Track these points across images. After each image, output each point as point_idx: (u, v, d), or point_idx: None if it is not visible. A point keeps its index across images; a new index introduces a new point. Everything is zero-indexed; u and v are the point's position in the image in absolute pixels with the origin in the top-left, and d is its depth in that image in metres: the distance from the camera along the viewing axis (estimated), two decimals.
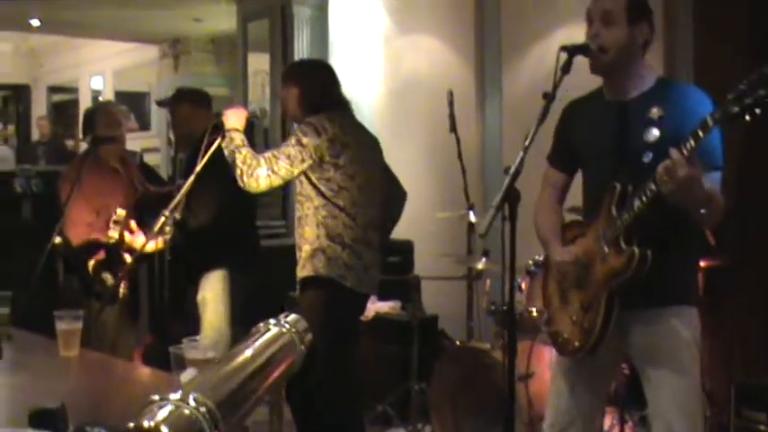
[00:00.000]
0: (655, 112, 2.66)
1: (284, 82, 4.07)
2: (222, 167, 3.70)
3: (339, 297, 3.78)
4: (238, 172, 3.70)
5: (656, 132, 2.64)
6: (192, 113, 4.46)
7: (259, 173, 3.68)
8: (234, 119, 3.84)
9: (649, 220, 2.58)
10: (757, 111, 2.24)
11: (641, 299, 2.66)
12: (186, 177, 3.91)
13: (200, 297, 4.31)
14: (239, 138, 3.77)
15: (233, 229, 4.31)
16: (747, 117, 2.26)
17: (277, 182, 3.73)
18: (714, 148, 2.58)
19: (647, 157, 2.63)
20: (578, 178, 2.99)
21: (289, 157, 3.71)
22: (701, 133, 2.36)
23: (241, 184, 3.72)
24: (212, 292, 4.31)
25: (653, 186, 2.49)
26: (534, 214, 2.96)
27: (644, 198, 2.53)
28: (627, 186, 2.64)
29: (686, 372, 2.70)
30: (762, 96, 2.22)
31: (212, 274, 4.32)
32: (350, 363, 3.96)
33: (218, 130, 3.82)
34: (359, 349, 4.18)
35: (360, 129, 4.05)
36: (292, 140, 3.74)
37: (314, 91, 3.91)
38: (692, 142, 2.37)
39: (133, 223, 4.35)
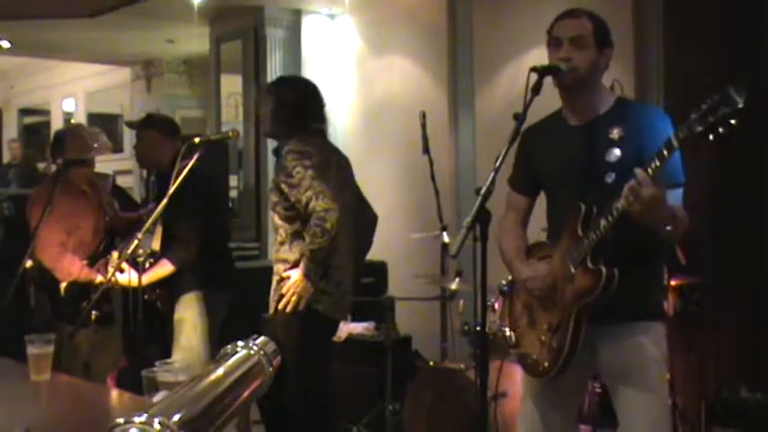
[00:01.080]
0: (615, 132, 2.70)
1: (261, 96, 4.09)
2: (195, 191, 3.69)
3: (311, 321, 3.77)
4: (328, 239, 3.69)
5: (617, 152, 2.68)
6: (160, 141, 4.46)
7: (320, 209, 3.67)
8: (295, 275, 3.80)
9: (615, 239, 2.61)
10: (720, 130, 2.27)
11: (608, 316, 2.68)
12: (158, 202, 3.91)
13: (177, 317, 4.30)
14: (307, 257, 3.74)
15: (209, 250, 4.31)
16: (711, 137, 2.29)
17: (335, 205, 3.69)
18: (675, 165, 2.62)
19: (610, 178, 2.66)
20: (542, 199, 3.01)
21: (314, 178, 3.70)
22: (665, 153, 2.39)
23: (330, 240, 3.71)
24: (190, 312, 4.30)
25: (618, 206, 2.51)
26: (498, 239, 2.96)
27: (609, 218, 2.56)
28: (591, 207, 2.67)
29: (655, 388, 2.73)
30: (724, 116, 2.25)
31: (189, 294, 4.31)
32: (322, 384, 3.95)
33: (192, 152, 3.81)
34: (333, 370, 4.18)
35: (335, 151, 4.06)
36: (300, 170, 3.71)
37: (287, 108, 3.91)
38: (657, 162, 2.40)
39: (124, 264, 4.31)
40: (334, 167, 3.89)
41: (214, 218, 4.42)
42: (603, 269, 2.60)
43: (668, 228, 2.54)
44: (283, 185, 3.77)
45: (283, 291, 3.78)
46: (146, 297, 4.00)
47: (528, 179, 2.97)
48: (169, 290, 4.34)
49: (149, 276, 4.08)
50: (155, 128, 4.54)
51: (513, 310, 2.99)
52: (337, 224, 3.68)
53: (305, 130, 3.88)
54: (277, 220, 3.88)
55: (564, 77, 2.72)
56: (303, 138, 3.84)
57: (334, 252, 3.79)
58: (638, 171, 2.42)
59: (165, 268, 4.24)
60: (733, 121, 2.26)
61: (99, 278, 4.30)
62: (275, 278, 3.88)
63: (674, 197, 2.61)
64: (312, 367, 3.84)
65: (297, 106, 3.93)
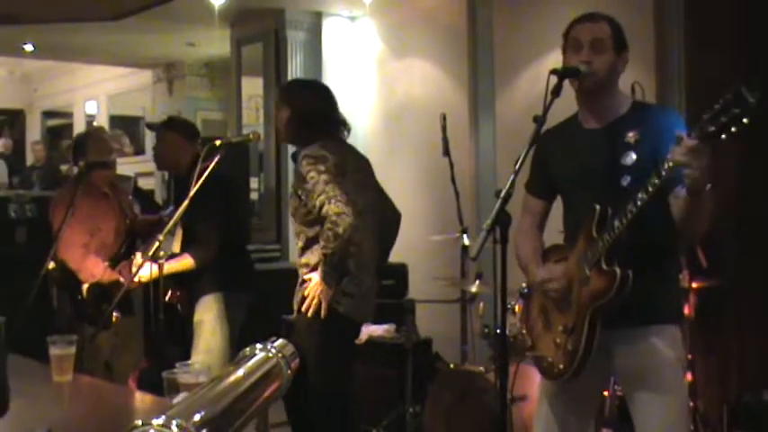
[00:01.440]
0: (631, 136, 2.70)
1: (276, 101, 4.09)
2: (215, 193, 3.71)
3: (333, 323, 3.78)
4: (340, 244, 3.68)
5: (633, 156, 2.68)
6: (179, 144, 4.48)
7: (333, 213, 3.65)
8: (315, 279, 3.80)
9: (629, 241, 2.60)
10: (733, 129, 2.26)
11: (623, 318, 2.67)
12: (178, 205, 3.93)
13: (196, 319, 4.31)
14: (320, 270, 3.74)
15: (228, 251, 4.33)
16: (723, 136, 2.28)
17: (348, 209, 3.67)
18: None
19: (626, 181, 2.66)
20: (559, 202, 3.01)
21: (328, 183, 3.70)
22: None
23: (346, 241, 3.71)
24: (209, 314, 4.31)
25: (633, 208, 2.51)
26: (514, 243, 2.94)
27: (624, 219, 2.56)
28: (606, 209, 2.66)
29: (671, 391, 2.71)
30: (737, 115, 2.24)
31: (208, 296, 4.32)
32: (344, 386, 3.95)
33: (213, 155, 3.82)
34: (354, 372, 4.18)
35: (353, 153, 4.06)
36: (314, 175, 3.70)
37: (304, 116, 3.91)
38: (670, 163, 2.40)
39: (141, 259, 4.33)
40: (352, 169, 3.88)
41: (233, 220, 4.43)
42: (618, 270, 2.60)
43: (708, 186, 2.47)
44: (300, 191, 3.78)
45: (305, 293, 3.79)
46: (166, 299, 4.01)
47: (544, 183, 2.96)
48: (189, 291, 4.36)
49: (169, 267, 4.03)
50: (175, 130, 4.56)
51: (529, 313, 2.99)
52: (350, 228, 3.67)
53: (321, 136, 3.87)
54: (297, 226, 3.89)
55: (584, 81, 2.72)
56: (323, 143, 3.84)
57: (355, 254, 3.79)
58: (680, 139, 2.37)
59: (185, 261, 4.23)
60: (745, 120, 2.25)
61: (121, 279, 4.33)
62: (299, 281, 3.90)
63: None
64: (334, 369, 3.84)
65: (312, 113, 3.92)
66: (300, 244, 3.89)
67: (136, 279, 4.09)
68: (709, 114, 2.30)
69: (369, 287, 3.89)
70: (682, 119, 2.72)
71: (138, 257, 4.32)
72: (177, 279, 4.26)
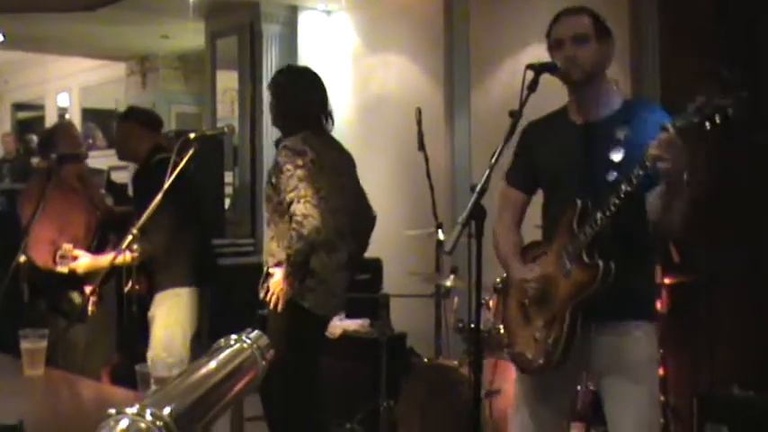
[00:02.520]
0: (620, 133, 2.70)
1: (268, 88, 4.09)
2: (176, 188, 3.66)
3: (298, 317, 3.79)
4: (305, 245, 3.71)
5: (621, 152, 2.68)
6: (137, 133, 4.42)
7: (300, 213, 3.68)
8: (277, 277, 3.81)
9: (610, 235, 2.61)
10: (717, 119, 2.28)
11: (602, 313, 2.68)
12: (136, 194, 3.89)
13: (149, 315, 4.26)
14: (288, 261, 3.74)
15: (185, 248, 4.28)
16: (708, 125, 2.30)
17: (315, 211, 3.70)
18: None
19: (612, 176, 2.66)
20: (539, 195, 3.01)
21: (301, 179, 3.71)
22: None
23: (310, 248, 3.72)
24: (161, 309, 4.27)
25: (616, 200, 2.53)
26: (493, 235, 2.95)
27: (607, 212, 2.57)
28: (587, 203, 2.67)
29: (645, 386, 2.73)
30: (721, 105, 2.26)
31: (163, 292, 4.27)
32: (310, 381, 3.95)
33: (187, 148, 3.79)
34: (327, 366, 4.18)
35: (336, 150, 4.05)
36: (290, 168, 3.72)
37: (288, 107, 3.93)
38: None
39: (77, 251, 4.30)
40: (330, 166, 3.88)
41: (191, 216, 4.36)
42: (600, 263, 2.61)
43: (685, 177, 2.49)
44: (274, 179, 3.80)
45: (270, 286, 3.81)
46: (125, 291, 3.97)
47: (526, 175, 2.95)
48: (150, 284, 4.31)
49: (113, 261, 3.97)
50: (132, 120, 4.52)
51: (506, 309, 2.98)
52: (315, 231, 3.69)
53: (304, 128, 3.87)
54: (269, 213, 3.90)
55: (569, 73, 2.72)
56: (306, 136, 3.84)
57: (322, 251, 3.80)
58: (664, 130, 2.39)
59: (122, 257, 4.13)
60: (729, 111, 2.27)
61: (60, 268, 4.28)
62: (264, 272, 3.91)
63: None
64: (300, 364, 3.84)
65: (297, 107, 3.93)
66: (271, 233, 3.91)
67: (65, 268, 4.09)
68: (693, 104, 2.32)
69: (336, 283, 3.89)
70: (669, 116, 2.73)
71: (66, 246, 4.30)
72: (141, 271, 4.21)
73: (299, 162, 3.73)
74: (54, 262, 4.30)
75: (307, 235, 3.68)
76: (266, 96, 4.41)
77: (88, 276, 4.28)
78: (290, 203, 3.70)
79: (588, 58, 2.72)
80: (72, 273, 4.29)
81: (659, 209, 2.58)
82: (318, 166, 3.80)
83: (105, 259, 4.05)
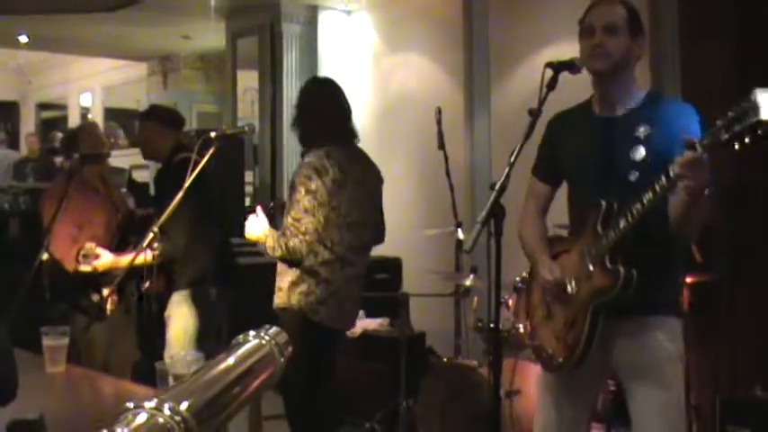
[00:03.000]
0: (642, 130, 2.67)
1: (298, 97, 4.04)
2: (196, 188, 3.66)
3: (308, 330, 3.75)
4: (281, 258, 3.73)
5: (642, 151, 2.65)
6: (159, 132, 4.44)
7: (294, 246, 3.66)
8: (254, 230, 3.81)
9: (634, 236, 2.59)
10: (746, 139, 2.23)
11: (624, 311, 2.66)
12: (158, 193, 3.90)
13: (165, 314, 4.27)
14: (268, 240, 3.73)
15: (204, 249, 4.29)
16: (737, 146, 2.25)
17: (312, 238, 3.70)
18: None
19: (633, 176, 2.64)
20: (561, 193, 3.00)
21: (307, 211, 3.68)
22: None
23: (293, 263, 3.74)
24: (177, 310, 4.27)
25: (639, 207, 2.50)
26: (519, 226, 2.95)
27: (630, 218, 2.54)
28: (612, 204, 2.65)
29: (670, 386, 2.71)
30: (751, 125, 2.21)
31: (179, 292, 4.28)
32: (323, 393, 3.92)
33: (208, 147, 3.79)
34: (347, 365, 4.18)
35: (361, 164, 3.98)
36: (302, 191, 3.68)
37: (312, 119, 3.88)
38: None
39: (99, 250, 4.32)
40: (353, 183, 3.82)
41: (210, 216, 4.37)
42: (622, 270, 2.59)
43: (706, 192, 2.46)
44: (291, 192, 3.78)
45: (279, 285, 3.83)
46: (144, 289, 3.99)
47: (551, 167, 2.94)
48: (168, 283, 4.32)
49: (134, 260, 3.98)
50: (154, 119, 4.54)
51: (530, 299, 2.98)
52: (298, 259, 3.70)
53: (329, 141, 3.84)
54: (285, 221, 3.90)
55: (590, 67, 2.70)
56: (330, 150, 3.79)
57: (336, 266, 3.78)
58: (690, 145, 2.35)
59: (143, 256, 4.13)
60: (759, 132, 2.19)
61: (83, 267, 4.30)
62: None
63: None
64: (309, 376, 3.81)
65: (321, 119, 3.88)
66: None
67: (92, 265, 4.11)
68: (722, 121, 2.26)
69: (347, 295, 3.85)
70: (696, 115, 2.67)
71: (88, 245, 4.33)
72: (160, 269, 4.23)
73: (313, 186, 3.67)
74: (77, 260, 4.33)
75: (288, 259, 3.71)
76: (287, 96, 4.39)
77: (108, 276, 4.30)
78: (288, 227, 3.68)
79: (616, 49, 2.68)
80: (93, 272, 4.32)
81: (678, 217, 2.56)
82: (340, 185, 3.76)
83: (126, 259, 4.06)
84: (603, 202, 2.67)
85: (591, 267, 2.67)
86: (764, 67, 4.52)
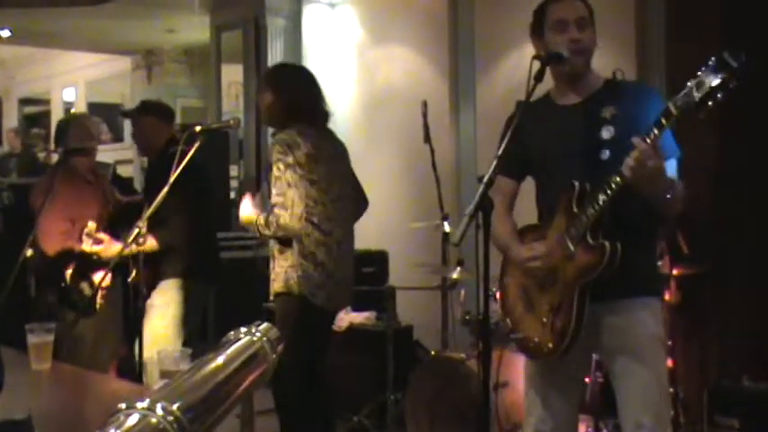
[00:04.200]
0: (607, 111, 2.72)
1: (259, 85, 4.09)
2: (189, 178, 3.66)
3: (309, 314, 3.78)
4: (272, 236, 3.77)
5: (611, 129, 2.69)
6: (155, 126, 4.49)
7: (285, 222, 3.69)
8: (246, 211, 3.84)
9: (612, 214, 2.61)
10: (719, 96, 2.26)
11: (608, 291, 2.68)
12: (149, 186, 3.89)
13: (148, 303, 4.25)
14: (260, 219, 3.77)
15: (192, 240, 4.30)
16: (710, 103, 2.28)
17: (300, 210, 3.73)
18: (668, 138, 2.64)
19: (605, 155, 2.68)
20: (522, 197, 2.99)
21: (289, 184, 3.71)
22: (664, 122, 2.41)
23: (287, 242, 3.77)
24: (161, 299, 4.28)
25: (617, 179, 2.51)
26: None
27: (609, 191, 2.56)
28: (585, 185, 2.67)
29: (653, 365, 2.73)
30: (722, 81, 2.25)
31: (166, 281, 4.29)
32: (319, 376, 3.94)
33: (192, 141, 3.78)
34: (334, 360, 4.18)
35: (330, 140, 4.04)
36: (281, 167, 3.72)
37: (286, 100, 3.91)
38: (656, 131, 2.42)
39: (102, 234, 4.33)
40: (326, 157, 3.87)
41: (201, 208, 4.39)
42: (607, 244, 2.60)
43: (668, 196, 2.53)
44: (269, 174, 3.82)
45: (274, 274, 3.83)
46: (128, 280, 3.98)
47: (516, 162, 2.91)
48: (153, 274, 4.31)
49: (134, 248, 3.98)
50: (150, 114, 4.56)
51: (506, 295, 2.97)
52: (290, 235, 3.73)
53: (302, 121, 3.86)
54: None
55: (574, 62, 2.71)
56: (301, 128, 3.83)
57: (326, 242, 3.80)
58: (637, 140, 2.43)
59: (149, 243, 4.13)
60: (731, 86, 2.25)
61: (84, 246, 4.30)
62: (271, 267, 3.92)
63: (670, 169, 2.63)
64: (311, 358, 3.84)
65: (295, 100, 3.92)
66: None
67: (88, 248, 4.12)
68: (693, 81, 2.30)
69: (341, 275, 3.89)
70: (659, 95, 2.76)
71: (90, 224, 4.33)
72: (145, 263, 4.21)
73: (290, 160, 3.72)
74: (79, 239, 4.33)
75: (281, 235, 3.74)
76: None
77: (99, 264, 4.29)
78: (275, 205, 3.71)
79: (590, 42, 2.75)
80: (87, 257, 4.31)
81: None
82: (314, 159, 3.79)
83: (117, 247, 4.06)
84: (576, 183, 2.68)
85: (572, 248, 2.67)
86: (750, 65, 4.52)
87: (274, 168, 3.75)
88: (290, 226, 3.70)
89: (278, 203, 3.70)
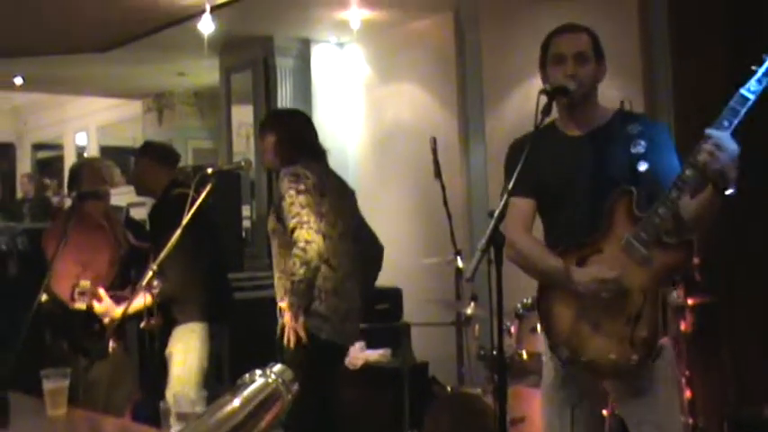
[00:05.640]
0: (633, 128, 2.76)
1: (261, 131, 4.14)
2: (198, 221, 3.65)
3: (316, 348, 3.79)
4: (305, 267, 3.76)
5: (643, 143, 2.72)
6: (153, 169, 4.46)
7: (305, 242, 3.73)
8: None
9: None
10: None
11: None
12: (154, 230, 3.92)
13: (167, 351, 4.25)
14: (286, 284, 3.82)
15: (201, 284, 4.28)
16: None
17: (318, 237, 3.76)
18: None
19: (643, 166, 2.70)
20: None
21: (303, 206, 3.77)
22: (739, 108, 2.47)
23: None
24: (180, 346, 4.26)
25: (689, 173, 2.51)
26: (517, 253, 2.84)
27: (680, 187, 2.55)
28: (641, 191, 2.68)
29: (667, 405, 2.72)
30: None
31: (179, 327, 4.27)
32: (330, 412, 3.94)
33: (204, 183, 3.79)
34: (349, 397, 4.17)
35: (336, 178, 4.13)
36: (292, 194, 3.78)
37: (290, 139, 4.00)
38: (731, 119, 2.47)
39: (101, 291, 4.30)
40: (331, 191, 3.95)
41: (207, 251, 4.35)
42: (693, 238, 2.61)
43: (732, 189, 2.50)
44: (278, 209, 3.83)
45: (283, 322, 3.86)
46: (141, 326, 3.97)
47: (532, 182, 2.83)
48: (165, 319, 4.29)
49: (129, 307, 3.96)
50: (148, 155, 4.57)
51: (556, 322, 2.82)
52: (318, 257, 3.72)
53: (306, 156, 3.98)
54: (276, 247, 3.93)
55: (573, 96, 2.74)
56: (305, 163, 3.93)
57: (331, 277, 3.82)
58: (712, 131, 2.46)
59: (144, 299, 4.11)
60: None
61: (78, 305, 4.30)
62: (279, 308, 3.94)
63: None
64: (320, 395, 3.83)
65: (297, 137, 4.04)
66: (279, 272, 3.92)
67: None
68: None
69: (348, 309, 3.91)
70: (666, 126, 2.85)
71: (83, 282, 4.32)
72: (158, 307, 4.20)
73: (302, 187, 3.80)
74: (71, 298, 4.32)
75: (309, 260, 3.73)
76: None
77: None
78: (293, 230, 3.73)
79: (588, 78, 2.78)
80: (90, 310, 4.30)
81: (694, 217, 2.59)
82: (321, 191, 3.85)
83: (120, 310, 3.99)
84: (633, 189, 2.68)
85: (643, 251, 2.63)
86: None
87: (286, 198, 3.80)
88: (313, 240, 3.72)
89: (296, 225, 3.73)
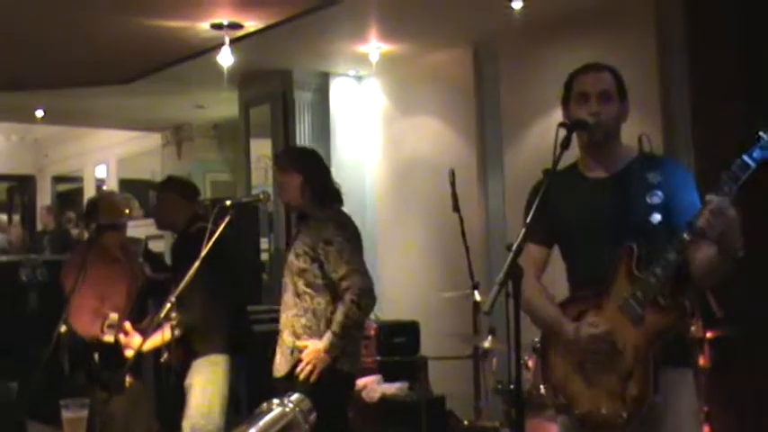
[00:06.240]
0: (652, 176, 2.73)
1: (283, 167, 4.11)
2: (218, 254, 3.67)
3: (335, 380, 3.84)
4: (363, 307, 3.85)
5: (659, 194, 2.70)
6: (175, 203, 4.52)
7: (362, 301, 3.80)
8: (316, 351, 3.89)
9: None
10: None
11: None
12: (176, 263, 3.91)
13: (186, 383, 4.26)
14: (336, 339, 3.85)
15: (224, 315, 4.29)
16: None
17: (369, 285, 3.86)
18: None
19: (655, 218, 2.68)
20: None
21: (354, 251, 3.88)
22: (740, 174, 2.45)
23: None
24: (200, 378, 4.26)
25: (687, 236, 2.51)
26: (524, 300, 2.75)
27: (679, 248, 2.55)
28: (642, 248, 2.66)
29: None
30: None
31: (199, 360, 4.28)
32: None
33: (223, 215, 3.81)
34: (366, 431, 4.18)
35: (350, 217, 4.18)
36: (339, 240, 3.85)
37: (317, 180, 4.03)
38: (732, 184, 2.46)
39: (127, 325, 4.33)
40: (359, 237, 4.04)
41: (227, 284, 4.36)
42: (687, 302, 2.61)
43: (740, 254, 2.51)
44: (320, 252, 3.83)
45: (303, 357, 3.85)
46: (161, 360, 3.98)
47: (545, 230, 2.87)
48: (185, 352, 4.29)
49: (150, 342, 3.99)
50: (171, 190, 4.61)
51: (554, 370, 2.86)
52: (373, 305, 3.85)
53: (335, 201, 4.04)
54: (302, 287, 3.91)
55: (593, 133, 2.74)
56: (336, 207, 4.01)
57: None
58: (712, 197, 2.45)
59: (164, 333, 4.12)
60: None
61: (107, 338, 4.32)
62: (286, 345, 3.95)
63: None
64: (336, 424, 3.85)
65: (326, 180, 4.08)
66: (303, 304, 3.93)
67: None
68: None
69: (359, 341, 4.07)
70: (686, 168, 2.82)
71: (113, 315, 4.35)
72: (177, 340, 4.20)
73: (348, 235, 3.88)
74: (101, 331, 4.35)
75: (365, 307, 3.82)
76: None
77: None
78: (344, 277, 3.79)
79: (611, 117, 2.77)
80: (115, 342, 4.32)
81: (701, 274, 2.60)
82: (358, 236, 4.00)
83: (150, 341, 4.01)
84: (635, 246, 2.67)
85: (639, 310, 2.64)
86: None
87: (334, 243, 3.85)
88: (370, 289, 3.82)
89: (351, 270, 3.81)
